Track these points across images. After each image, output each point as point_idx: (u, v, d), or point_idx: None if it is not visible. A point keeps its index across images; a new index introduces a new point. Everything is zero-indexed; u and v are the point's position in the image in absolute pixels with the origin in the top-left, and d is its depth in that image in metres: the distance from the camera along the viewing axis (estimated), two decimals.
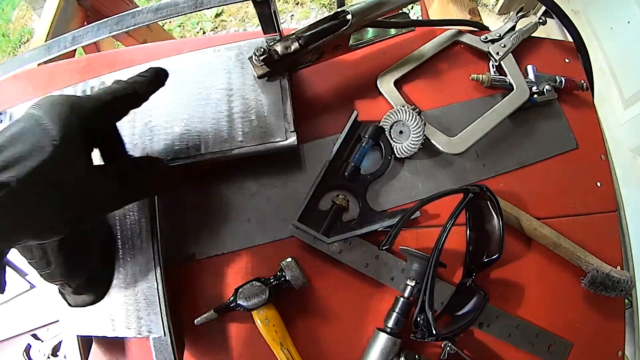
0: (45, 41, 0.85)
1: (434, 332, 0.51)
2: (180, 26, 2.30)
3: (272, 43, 0.56)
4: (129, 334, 0.57)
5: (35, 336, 0.67)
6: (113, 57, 0.76)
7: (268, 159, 0.61)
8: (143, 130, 0.60)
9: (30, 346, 0.66)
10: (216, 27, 2.27)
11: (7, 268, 0.67)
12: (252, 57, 0.56)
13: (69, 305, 0.51)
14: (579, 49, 0.72)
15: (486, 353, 0.59)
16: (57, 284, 0.48)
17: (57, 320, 0.66)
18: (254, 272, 0.59)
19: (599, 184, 0.67)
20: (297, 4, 2.22)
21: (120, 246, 0.57)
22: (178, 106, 0.59)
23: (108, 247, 0.54)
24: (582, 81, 0.71)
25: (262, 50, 0.54)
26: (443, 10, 0.77)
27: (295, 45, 0.55)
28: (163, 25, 2.25)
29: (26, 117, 0.36)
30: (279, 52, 0.55)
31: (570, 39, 0.73)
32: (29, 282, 0.67)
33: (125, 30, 0.55)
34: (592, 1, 1.28)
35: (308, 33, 0.55)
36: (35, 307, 0.67)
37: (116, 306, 0.57)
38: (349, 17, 0.55)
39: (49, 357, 0.65)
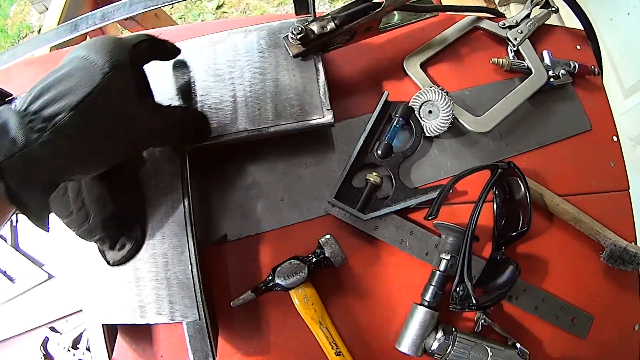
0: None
1: (474, 301, 0.55)
2: (181, 18, 2.32)
3: (307, 23, 0.60)
4: (161, 319, 0.58)
5: (53, 329, 0.67)
6: None
7: (299, 139, 0.65)
8: None
9: (48, 339, 0.67)
10: (217, 19, 2.29)
11: (23, 258, 0.68)
12: (287, 36, 0.60)
13: (109, 264, 0.53)
14: (589, 36, 0.79)
15: (515, 325, 0.65)
16: (96, 240, 0.50)
17: (78, 311, 0.66)
18: (288, 251, 0.62)
19: (612, 163, 0.74)
20: None
21: (150, 228, 0.59)
22: (211, 85, 0.62)
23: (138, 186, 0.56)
24: (593, 66, 0.78)
25: (299, 29, 0.58)
26: None
27: (331, 25, 0.59)
28: (171, 15, 2.26)
29: (71, 57, 0.40)
30: (315, 32, 0.59)
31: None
32: (46, 272, 0.67)
33: (160, 5, 0.57)
34: None
35: (344, 13, 0.59)
36: (54, 298, 0.67)
37: (146, 291, 0.59)
38: None
39: (69, 350, 0.65)
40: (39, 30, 2.46)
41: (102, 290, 0.60)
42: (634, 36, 1.24)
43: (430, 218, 0.57)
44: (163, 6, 0.59)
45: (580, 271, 0.69)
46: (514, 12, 1.69)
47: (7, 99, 0.74)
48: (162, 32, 0.61)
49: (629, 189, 0.75)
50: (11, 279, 0.68)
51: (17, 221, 0.72)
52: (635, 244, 0.73)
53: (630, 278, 0.71)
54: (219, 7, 2.31)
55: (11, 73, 0.78)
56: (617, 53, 1.31)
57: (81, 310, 0.65)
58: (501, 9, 1.66)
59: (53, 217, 0.44)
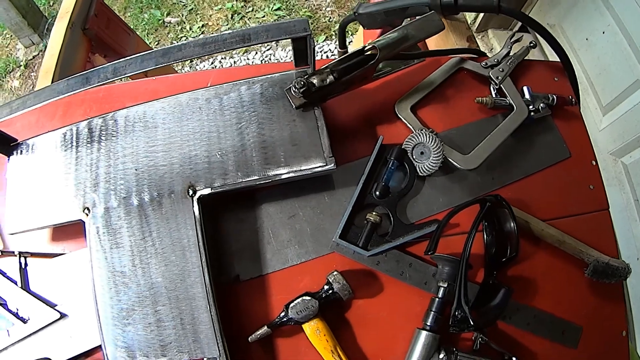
0: (55, 70, 0.91)
1: (472, 323, 0.63)
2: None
3: (308, 76, 0.68)
4: (182, 357, 0.65)
5: None
6: (134, 87, 0.85)
7: (303, 183, 0.73)
8: (183, 159, 0.70)
9: None
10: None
11: (34, 299, 0.73)
12: (290, 88, 0.68)
13: None
14: (566, 67, 0.89)
15: (510, 341, 0.73)
16: None
17: (91, 350, 0.72)
18: (299, 288, 0.70)
19: (591, 186, 0.84)
20: None
21: (169, 272, 0.66)
22: (218, 136, 0.70)
23: None
24: (570, 96, 0.88)
25: (302, 82, 0.66)
26: (443, 39, 0.93)
27: (330, 78, 0.67)
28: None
29: None
30: (316, 85, 0.67)
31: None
32: (59, 311, 0.73)
33: (171, 62, 0.64)
34: (567, 14, 1.50)
35: (341, 66, 0.68)
36: (67, 336, 0.72)
37: (167, 331, 0.66)
38: (376, 51, 0.68)
39: None
40: (26, 65, 2.52)
41: (122, 332, 0.67)
42: (609, 54, 1.36)
43: (429, 253, 0.65)
44: (174, 63, 0.66)
45: (567, 287, 0.77)
46: (492, 37, 1.81)
47: (12, 144, 0.80)
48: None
49: (608, 208, 0.85)
50: (23, 320, 0.73)
51: (26, 264, 0.78)
52: (617, 257, 0.82)
53: (615, 289, 0.79)
54: None
55: (13, 118, 0.83)
56: (594, 72, 1.42)
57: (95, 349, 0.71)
58: (479, 35, 1.78)
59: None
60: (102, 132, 0.75)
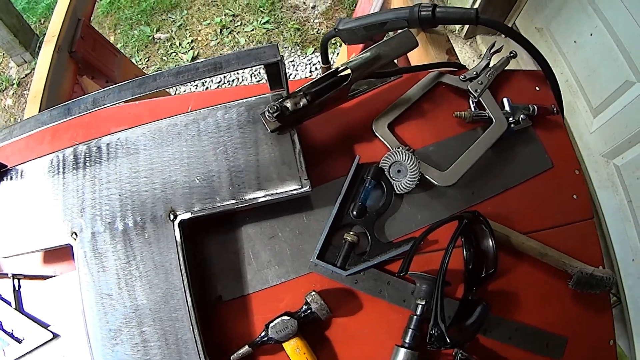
0: (43, 93, 0.93)
1: (448, 341, 0.64)
2: (158, 69, 2.43)
3: (281, 100, 0.69)
4: None
5: None
6: (118, 112, 0.86)
7: (283, 204, 0.73)
8: (165, 184, 0.71)
9: None
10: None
11: (28, 320, 0.75)
12: (264, 113, 0.69)
13: None
14: (547, 75, 0.88)
15: (492, 356, 0.73)
16: None
17: None
18: (279, 308, 0.70)
19: (575, 196, 0.83)
20: (270, 43, 2.40)
21: (153, 294, 0.68)
22: (196, 161, 0.71)
23: None
24: (553, 106, 0.87)
25: (275, 107, 0.67)
26: (423, 52, 0.92)
27: (303, 101, 0.68)
28: (148, 68, 2.38)
29: None
30: (289, 108, 0.68)
31: None
32: (52, 332, 0.75)
33: (147, 93, 0.65)
34: (555, 17, 1.48)
35: (314, 89, 0.68)
36: (60, 356, 0.74)
37: (153, 351, 0.67)
38: (348, 72, 0.68)
39: None
40: (19, 83, 2.55)
41: (111, 352, 0.69)
42: (598, 56, 1.34)
43: (402, 274, 0.66)
44: (150, 93, 0.67)
45: (551, 300, 0.76)
46: (480, 44, 1.78)
47: (1, 170, 0.83)
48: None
49: (592, 217, 0.84)
50: (18, 340, 0.75)
51: (20, 286, 0.81)
52: (603, 266, 0.82)
53: (602, 299, 0.78)
54: (193, 58, 2.45)
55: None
56: (583, 74, 1.40)
57: None
58: (467, 42, 1.76)
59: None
60: (87, 159, 0.76)
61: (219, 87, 2.34)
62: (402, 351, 0.67)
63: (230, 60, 0.64)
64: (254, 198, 0.68)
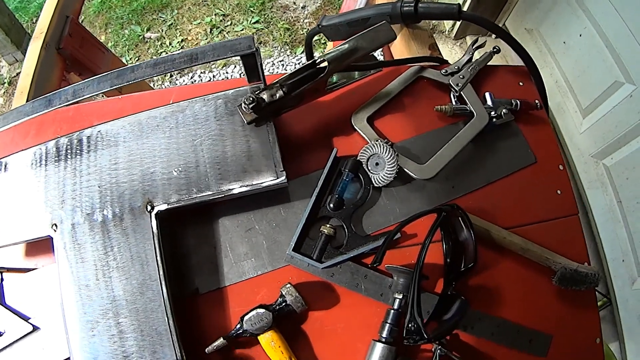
0: (30, 89, 0.94)
1: (425, 335, 0.62)
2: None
3: (258, 92, 0.68)
4: None
5: None
6: (102, 106, 0.86)
7: (260, 196, 0.72)
8: (143, 176, 0.71)
9: None
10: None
11: (9, 313, 0.75)
12: (241, 105, 0.68)
13: None
14: (531, 71, 0.87)
15: (473, 352, 0.71)
16: None
17: None
18: (255, 300, 0.69)
19: (559, 191, 0.81)
20: (260, 43, 2.41)
21: (129, 285, 0.67)
22: (174, 153, 0.70)
23: None
24: (537, 101, 0.86)
25: (251, 99, 0.66)
26: (405, 47, 0.91)
27: (280, 93, 0.67)
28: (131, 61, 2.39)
29: None
30: (266, 100, 0.67)
31: None
32: (32, 324, 0.74)
33: (125, 84, 0.65)
34: (545, 18, 1.47)
35: (290, 81, 0.67)
36: (40, 348, 0.74)
37: (129, 342, 0.66)
38: (325, 64, 0.68)
39: None
40: (10, 81, 2.55)
41: (88, 343, 0.68)
42: (587, 57, 1.32)
43: (375, 265, 0.65)
44: (127, 84, 0.67)
45: (533, 296, 0.74)
46: (469, 43, 1.78)
47: None
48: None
49: (577, 213, 0.83)
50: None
51: (2, 279, 0.80)
52: (588, 263, 0.80)
53: (588, 296, 0.76)
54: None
55: None
56: (573, 75, 1.38)
57: None
58: (457, 42, 1.76)
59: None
60: (69, 151, 0.76)
61: None
62: (379, 346, 0.65)
63: (206, 52, 0.64)
64: (229, 189, 0.67)
